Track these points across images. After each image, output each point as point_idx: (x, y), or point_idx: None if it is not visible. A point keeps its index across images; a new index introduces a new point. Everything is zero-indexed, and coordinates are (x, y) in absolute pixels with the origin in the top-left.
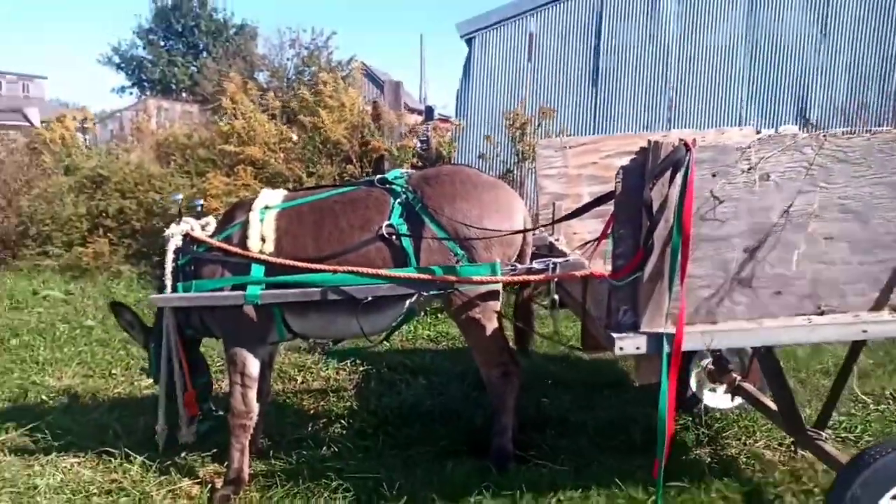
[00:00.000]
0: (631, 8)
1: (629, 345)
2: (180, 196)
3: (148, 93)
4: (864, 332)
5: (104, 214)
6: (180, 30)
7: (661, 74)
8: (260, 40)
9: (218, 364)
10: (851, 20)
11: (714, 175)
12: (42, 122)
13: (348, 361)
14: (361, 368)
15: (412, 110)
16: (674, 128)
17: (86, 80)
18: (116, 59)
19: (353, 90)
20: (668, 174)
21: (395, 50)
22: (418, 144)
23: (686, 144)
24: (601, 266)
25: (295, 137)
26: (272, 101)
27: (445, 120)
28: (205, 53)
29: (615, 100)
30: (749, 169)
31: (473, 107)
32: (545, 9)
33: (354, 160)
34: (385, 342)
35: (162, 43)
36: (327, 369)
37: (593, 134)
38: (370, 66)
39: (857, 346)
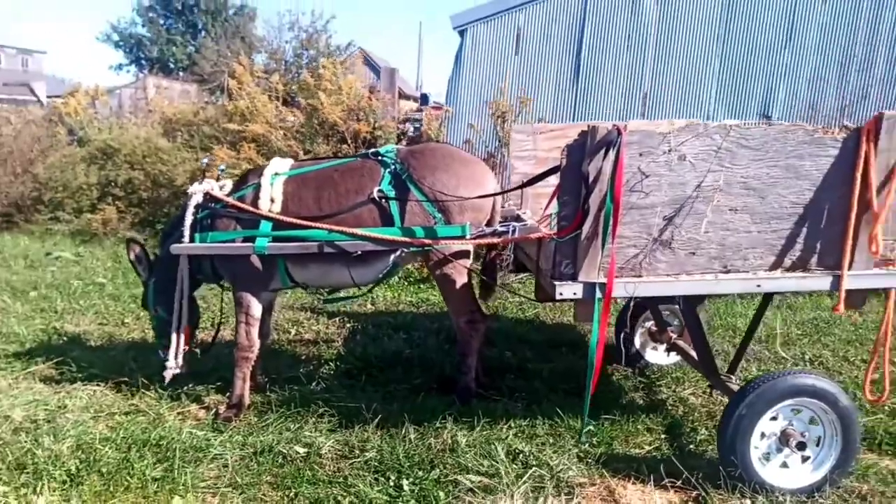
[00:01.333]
0: (613, 8)
1: (567, 291)
2: (206, 160)
3: (146, 71)
4: (758, 286)
5: (113, 184)
6: (179, 8)
7: (638, 71)
8: (259, 22)
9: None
10: (816, 28)
11: (641, 154)
12: (48, 96)
13: (337, 318)
14: (349, 325)
15: (408, 97)
16: (646, 120)
17: (83, 57)
18: (115, 37)
19: (352, 76)
20: (602, 152)
21: (394, 37)
22: (410, 129)
23: (618, 129)
24: None
25: (292, 118)
26: (276, 83)
27: (439, 107)
28: (203, 33)
29: (594, 93)
30: (669, 150)
31: (463, 95)
32: (533, 5)
33: (349, 140)
34: (372, 305)
35: (161, 21)
36: (318, 324)
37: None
38: (368, 51)
39: (764, 304)
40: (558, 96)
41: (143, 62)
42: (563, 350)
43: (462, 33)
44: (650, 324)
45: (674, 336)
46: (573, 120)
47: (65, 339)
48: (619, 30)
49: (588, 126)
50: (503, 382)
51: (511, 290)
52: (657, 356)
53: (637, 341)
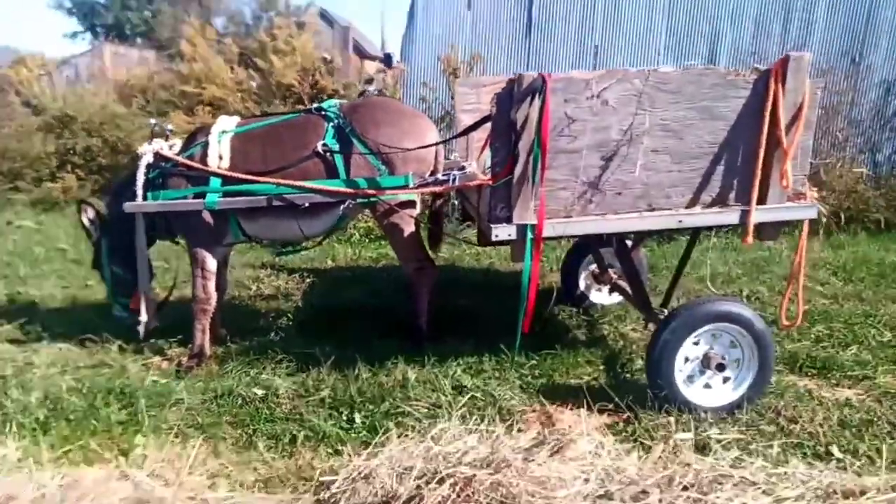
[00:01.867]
0: None
1: (503, 232)
2: (153, 121)
3: (102, 38)
4: (680, 221)
5: (72, 152)
6: None
7: (588, 25)
8: None
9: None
10: None
11: (566, 101)
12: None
13: (297, 274)
14: (308, 280)
15: (372, 57)
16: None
17: (36, 27)
18: (67, 4)
19: (305, 35)
20: (528, 100)
21: None
22: (370, 89)
23: (542, 77)
24: None
25: (252, 82)
26: (230, 46)
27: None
28: None
29: (547, 47)
30: (592, 96)
31: (418, 52)
32: None
33: (306, 101)
34: (332, 261)
35: None
36: (278, 280)
37: None
38: (328, 11)
39: (692, 240)
40: (511, 51)
41: (99, 29)
42: (514, 295)
43: None
44: (594, 266)
45: (615, 277)
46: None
47: (29, 302)
48: None
49: (515, 74)
50: (455, 326)
51: (456, 237)
52: (601, 297)
53: (582, 283)
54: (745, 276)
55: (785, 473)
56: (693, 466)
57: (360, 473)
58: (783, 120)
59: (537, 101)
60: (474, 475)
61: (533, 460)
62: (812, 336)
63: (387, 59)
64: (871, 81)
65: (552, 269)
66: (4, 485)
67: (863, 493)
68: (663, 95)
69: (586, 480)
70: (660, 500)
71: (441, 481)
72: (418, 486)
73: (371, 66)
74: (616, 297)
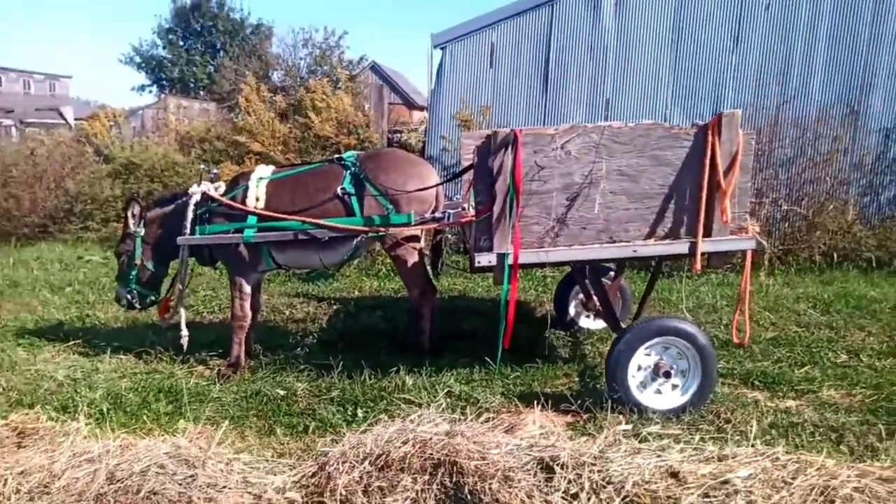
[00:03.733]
0: (576, 25)
1: (484, 259)
2: (203, 166)
3: (167, 91)
4: (634, 251)
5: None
6: (199, 29)
7: (600, 81)
8: (274, 39)
9: None
10: (759, 34)
11: (535, 151)
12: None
13: (325, 302)
14: (335, 307)
15: (420, 107)
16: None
17: (107, 79)
18: (137, 59)
19: (342, 93)
20: (502, 151)
21: (409, 47)
22: (397, 138)
23: (514, 132)
24: None
25: (285, 131)
26: (280, 101)
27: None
28: (222, 52)
29: (562, 101)
30: (557, 148)
31: (444, 107)
32: (504, 23)
33: (342, 150)
34: (357, 292)
35: (181, 42)
36: (308, 307)
37: None
38: (380, 63)
39: (657, 269)
40: (529, 105)
41: (165, 82)
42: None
43: (443, 50)
44: (581, 295)
45: (598, 304)
46: (544, 126)
47: (96, 323)
48: (581, 43)
49: (492, 131)
50: (455, 344)
51: (453, 266)
52: (589, 322)
53: (572, 310)
54: (729, 306)
55: (685, 447)
56: (604, 438)
57: (350, 445)
58: (721, 165)
59: (510, 152)
60: (430, 438)
61: (483, 433)
62: (773, 357)
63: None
64: (869, 128)
65: (546, 299)
66: (78, 443)
67: (734, 457)
68: (618, 146)
69: (518, 445)
70: (569, 456)
71: (405, 442)
72: (388, 447)
73: (417, 116)
74: (602, 323)
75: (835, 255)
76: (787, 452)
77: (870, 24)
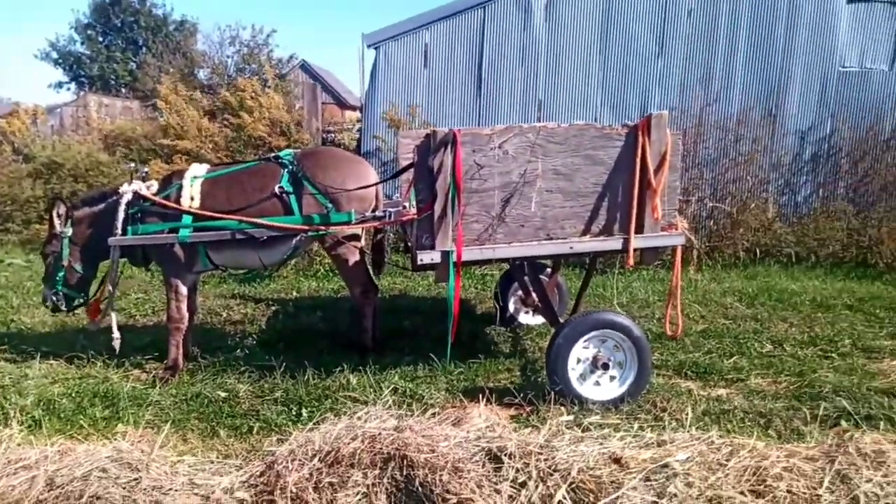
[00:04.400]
0: (508, 27)
1: (427, 257)
2: (132, 164)
3: (87, 88)
4: (571, 248)
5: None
6: (119, 25)
7: (532, 82)
8: (200, 37)
9: None
10: (682, 40)
11: (474, 151)
12: None
13: (263, 303)
14: (273, 308)
15: (353, 107)
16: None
17: (22, 76)
18: (54, 55)
19: (271, 91)
20: (442, 150)
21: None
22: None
23: (453, 132)
24: None
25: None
26: (201, 98)
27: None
28: (144, 49)
29: (495, 103)
30: (495, 147)
31: (377, 107)
32: (437, 24)
33: (275, 150)
34: (296, 293)
35: (100, 38)
36: (246, 308)
37: None
38: (311, 63)
39: (591, 265)
40: (464, 106)
41: (84, 79)
42: None
43: (376, 50)
44: (520, 292)
45: (536, 300)
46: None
47: (21, 328)
48: (513, 45)
49: (431, 130)
50: (397, 342)
51: (394, 264)
52: (528, 318)
53: (511, 307)
54: (660, 300)
55: (625, 434)
56: (549, 429)
57: (298, 443)
58: (651, 165)
59: (450, 152)
60: (379, 433)
61: (431, 427)
62: (704, 348)
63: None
64: (787, 130)
65: (488, 295)
66: (13, 450)
67: (672, 442)
68: (553, 146)
69: (466, 437)
70: (516, 446)
71: (354, 438)
72: (337, 444)
73: (350, 115)
74: (541, 319)
75: (757, 251)
76: (720, 437)
77: (784, 33)
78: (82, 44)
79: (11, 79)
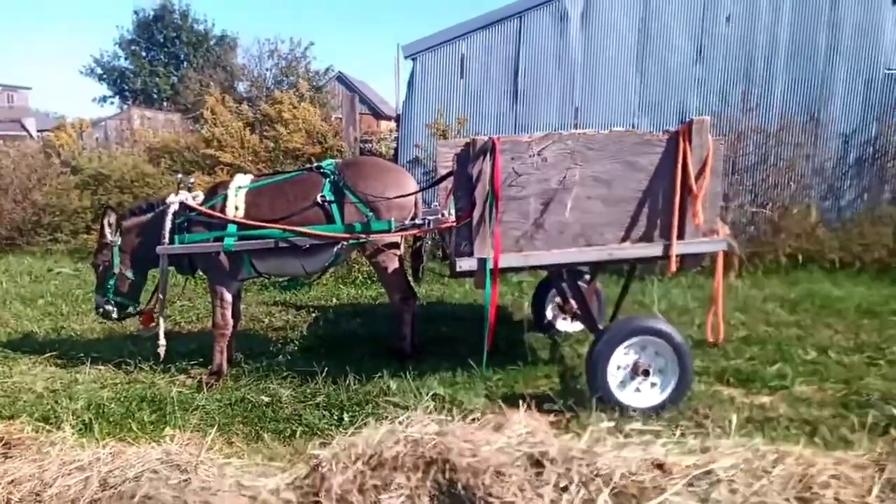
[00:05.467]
0: (544, 36)
1: (465, 264)
2: (180, 175)
3: (130, 102)
4: (610, 255)
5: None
6: (162, 40)
7: (569, 90)
8: (239, 50)
9: None
10: (721, 44)
11: (513, 159)
12: (38, 130)
13: (304, 310)
14: (314, 315)
15: (388, 117)
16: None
17: (67, 91)
18: (98, 70)
19: (307, 104)
20: (481, 158)
21: (376, 58)
22: (368, 148)
23: (492, 140)
24: None
25: (256, 141)
26: (246, 111)
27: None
28: (186, 64)
29: (532, 110)
30: (534, 155)
31: (415, 116)
32: (474, 35)
33: (313, 160)
34: (336, 300)
35: (144, 54)
36: (287, 315)
37: None
38: (347, 74)
39: (630, 272)
40: (500, 115)
41: (127, 94)
42: None
43: (413, 61)
44: (558, 298)
45: (575, 307)
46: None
47: (71, 334)
48: (549, 53)
49: (470, 139)
50: (436, 348)
51: (432, 271)
52: (566, 325)
53: (549, 313)
54: (700, 307)
55: (668, 441)
56: (590, 434)
57: (341, 447)
58: (693, 170)
59: (489, 160)
60: (421, 437)
61: (472, 432)
62: (746, 355)
63: (398, 120)
64: (829, 134)
65: (524, 303)
66: (67, 452)
67: (715, 448)
68: (592, 153)
69: (508, 442)
70: (558, 451)
71: (396, 442)
72: (380, 448)
73: (385, 125)
74: (579, 325)
75: (799, 257)
76: (765, 444)
77: (826, 35)
78: (126, 59)
79: (57, 93)
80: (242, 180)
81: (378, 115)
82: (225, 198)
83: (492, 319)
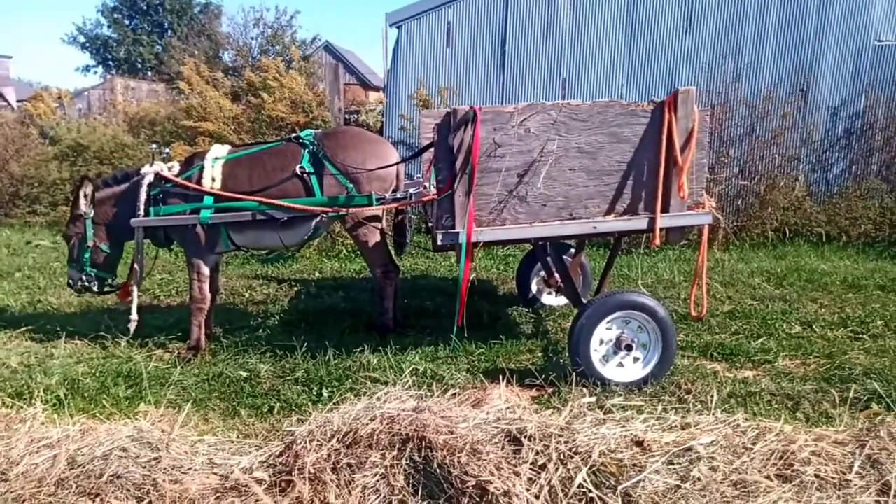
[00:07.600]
0: (532, 3)
1: (446, 238)
2: (155, 145)
3: (113, 72)
4: (594, 228)
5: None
6: (145, 8)
7: (556, 60)
8: (224, 19)
9: None
10: (712, 16)
11: (495, 129)
12: (18, 101)
13: (285, 283)
14: (295, 288)
15: (377, 88)
16: None
17: (50, 60)
18: (81, 39)
19: (294, 72)
20: (462, 128)
21: (364, 28)
22: (354, 118)
23: (474, 110)
24: None
25: (238, 112)
26: (223, 80)
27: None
28: (170, 32)
29: (518, 81)
30: (516, 125)
31: (400, 85)
32: (460, 2)
33: (298, 130)
34: (318, 273)
35: (127, 22)
36: (269, 288)
37: None
38: (334, 44)
39: (616, 245)
40: (486, 84)
41: (111, 63)
42: (474, 298)
43: (398, 29)
44: (543, 272)
45: (559, 281)
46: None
47: (48, 308)
48: (537, 23)
49: (451, 108)
50: (418, 322)
51: (416, 245)
52: (551, 299)
53: (534, 287)
54: (686, 281)
55: (648, 417)
56: (570, 411)
57: (317, 424)
58: (678, 142)
59: (470, 130)
60: (398, 414)
61: (450, 408)
62: (730, 329)
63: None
64: (818, 105)
65: (511, 276)
66: (36, 429)
67: (696, 425)
68: (576, 123)
69: (486, 419)
70: (536, 428)
71: (373, 419)
72: (356, 425)
73: (374, 96)
74: (563, 300)
75: (786, 231)
76: (746, 420)
77: (817, 6)
78: (109, 27)
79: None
80: (219, 151)
81: (367, 85)
82: (201, 169)
83: (463, 293)
